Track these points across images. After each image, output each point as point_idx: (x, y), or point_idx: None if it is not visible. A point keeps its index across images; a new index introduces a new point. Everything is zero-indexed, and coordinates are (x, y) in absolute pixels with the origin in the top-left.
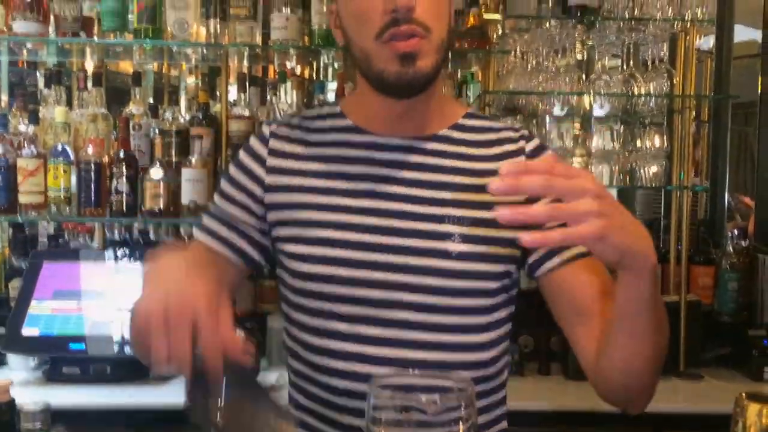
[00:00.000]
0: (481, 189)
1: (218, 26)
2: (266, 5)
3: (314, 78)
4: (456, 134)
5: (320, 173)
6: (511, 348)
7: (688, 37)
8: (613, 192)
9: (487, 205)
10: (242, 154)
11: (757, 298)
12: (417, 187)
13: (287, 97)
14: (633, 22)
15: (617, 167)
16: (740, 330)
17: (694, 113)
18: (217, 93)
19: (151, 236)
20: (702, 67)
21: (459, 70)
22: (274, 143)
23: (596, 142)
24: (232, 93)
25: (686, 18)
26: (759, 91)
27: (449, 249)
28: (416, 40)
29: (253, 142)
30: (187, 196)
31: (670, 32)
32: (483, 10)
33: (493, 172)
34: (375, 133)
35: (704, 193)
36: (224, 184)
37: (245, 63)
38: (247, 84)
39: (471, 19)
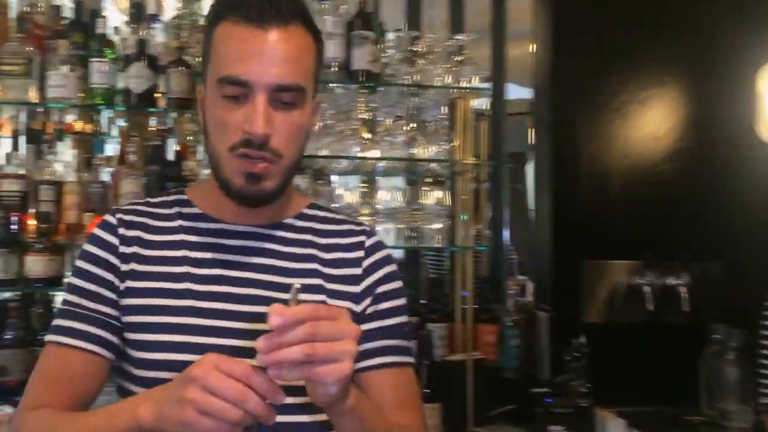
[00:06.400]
0: (324, 276)
1: None
2: (43, 63)
3: (96, 135)
4: (300, 223)
5: (169, 259)
6: None
7: (465, 103)
8: (401, 252)
9: (330, 292)
10: (91, 248)
11: (538, 354)
12: (263, 273)
13: (65, 154)
14: (414, 88)
15: (403, 225)
16: (524, 386)
17: (473, 175)
18: None
19: None
20: (479, 125)
21: None
22: (123, 231)
23: (382, 200)
24: (5, 149)
25: (463, 85)
26: (534, 153)
27: None
28: (265, 164)
29: (100, 232)
30: None
31: (449, 98)
32: None
33: (333, 262)
34: (223, 220)
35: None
36: (76, 280)
37: (21, 119)
38: (23, 141)
39: None
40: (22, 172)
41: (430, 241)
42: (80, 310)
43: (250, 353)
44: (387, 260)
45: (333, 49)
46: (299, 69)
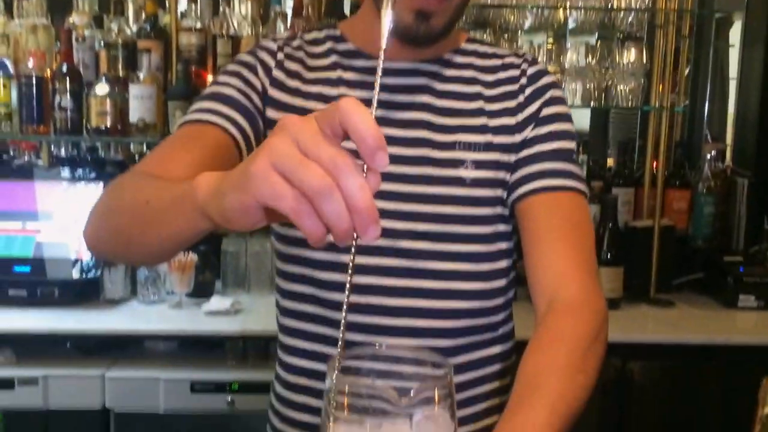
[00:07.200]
0: (487, 114)
1: None
2: None
3: None
4: (460, 59)
5: (321, 96)
6: None
7: None
8: (587, 111)
9: (494, 130)
10: (247, 57)
11: (734, 223)
12: (425, 112)
13: (241, 8)
14: None
15: (592, 85)
16: (714, 256)
17: (675, 29)
18: (167, 3)
19: (100, 154)
20: None
21: None
22: (281, 56)
23: (570, 58)
24: (183, 4)
25: None
26: (745, 6)
27: (463, 176)
28: (436, 1)
29: (259, 52)
30: (135, 113)
31: None
32: None
33: (497, 97)
34: (377, 56)
35: (682, 113)
36: (222, 77)
37: None
38: None
39: None
40: (198, 25)
41: (621, 101)
42: (218, 95)
43: (412, 198)
44: (551, 86)
45: None
46: None
